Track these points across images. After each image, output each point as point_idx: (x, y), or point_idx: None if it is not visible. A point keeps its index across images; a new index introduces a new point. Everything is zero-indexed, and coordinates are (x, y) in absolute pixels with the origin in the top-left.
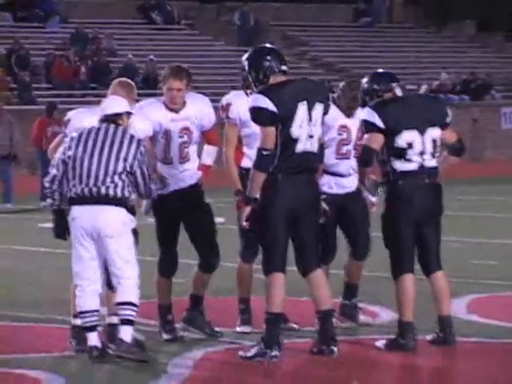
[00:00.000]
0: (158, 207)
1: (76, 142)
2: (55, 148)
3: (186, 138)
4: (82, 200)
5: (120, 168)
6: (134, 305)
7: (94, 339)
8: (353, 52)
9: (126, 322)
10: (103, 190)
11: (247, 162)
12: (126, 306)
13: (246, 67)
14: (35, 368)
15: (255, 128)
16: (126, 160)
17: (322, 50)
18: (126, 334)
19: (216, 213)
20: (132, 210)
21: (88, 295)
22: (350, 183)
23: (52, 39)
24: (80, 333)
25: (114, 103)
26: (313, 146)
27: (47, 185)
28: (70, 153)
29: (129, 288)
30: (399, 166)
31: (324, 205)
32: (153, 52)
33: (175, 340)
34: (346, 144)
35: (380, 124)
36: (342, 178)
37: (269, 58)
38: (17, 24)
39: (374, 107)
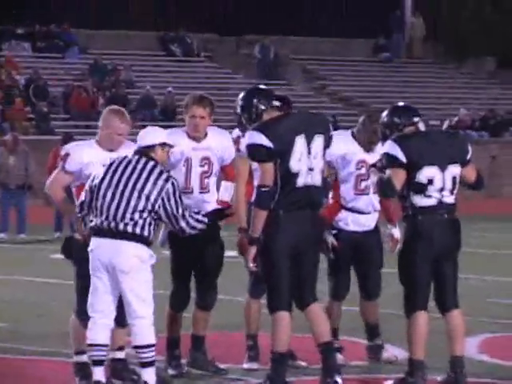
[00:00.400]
0: (175, 240)
1: (104, 172)
2: (52, 183)
3: (206, 168)
4: (101, 232)
5: (141, 206)
6: (153, 345)
7: (99, 374)
8: (372, 87)
9: (148, 364)
10: (121, 226)
11: None
12: (145, 350)
13: (239, 110)
14: None
15: None
16: (148, 198)
17: (341, 84)
18: (150, 376)
19: (229, 246)
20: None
21: (99, 328)
22: (369, 221)
23: (71, 70)
24: (83, 369)
25: (148, 135)
26: (314, 180)
27: (77, 211)
28: (97, 182)
29: (145, 329)
30: (418, 201)
31: (332, 239)
32: (171, 84)
33: (181, 376)
34: (364, 179)
35: (402, 158)
36: (359, 215)
37: (257, 97)
38: (36, 54)
39: (397, 140)
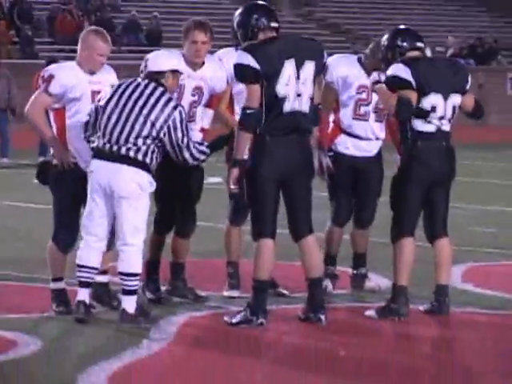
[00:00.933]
0: (158, 165)
1: (112, 93)
2: (33, 105)
3: (196, 98)
4: (103, 154)
5: (145, 132)
6: (138, 275)
7: (84, 295)
8: (359, 14)
9: (130, 292)
10: (123, 150)
11: None
12: (130, 278)
13: (235, 25)
14: (13, 329)
15: None
16: (153, 125)
17: (329, 10)
18: (130, 304)
19: (214, 172)
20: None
21: (92, 251)
22: (370, 147)
23: None
24: (60, 296)
25: (159, 59)
26: (302, 106)
27: (84, 131)
28: (103, 102)
29: (133, 257)
30: (419, 126)
31: (328, 161)
32: (157, 9)
33: (158, 301)
34: (364, 105)
35: (413, 82)
36: (359, 141)
37: (256, 14)
38: None
39: (407, 63)
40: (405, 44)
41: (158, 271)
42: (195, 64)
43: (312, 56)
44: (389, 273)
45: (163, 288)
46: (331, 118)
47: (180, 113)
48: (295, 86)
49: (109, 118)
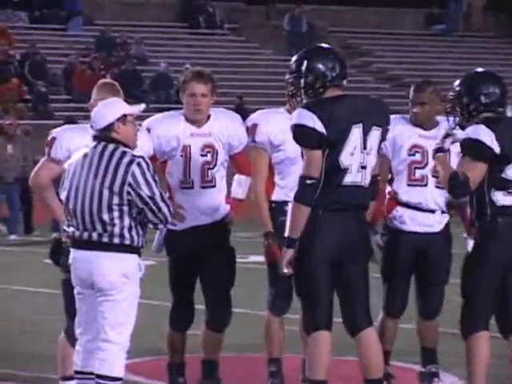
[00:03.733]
0: (172, 246)
1: (68, 173)
2: (36, 175)
3: (209, 158)
4: (76, 243)
5: (106, 203)
6: (119, 380)
7: None
8: (423, 64)
9: None
10: (95, 237)
11: (279, 195)
12: (104, 381)
13: (303, 68)
14: None
15: (289, 153)
16: (112, 191)
17: (388, 61)
18: None
19: (256, 250)
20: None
21: (86, 354)
22: (432, 221)
23: (73, 44)
24: None
25: (99, 114)
26: (364, 179)
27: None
28: (67, 183)
29: (114, 356)
30: (500, 198)
31: (378, 240)
32: (190, 60)
33: None
34: (419, 167)
35: (496, 149)
36: (418, 213)
37: (333, 64)
38: (33, 25)
39: (491, 126)
40: (487, 99)
41: (182, 373)
42: (196, 121)
43: (379, 122)
44: (463, 371)
45: None
46: (387, 189)
47: (139, 165)
48: (360, 157)
49: (75, 197)
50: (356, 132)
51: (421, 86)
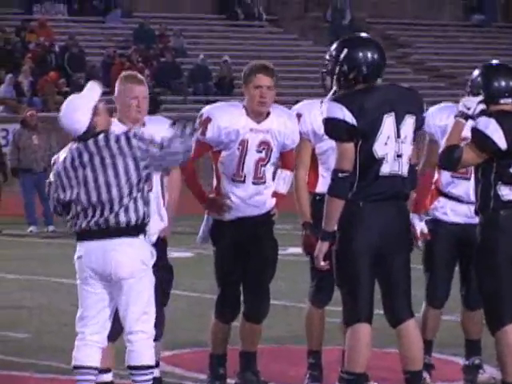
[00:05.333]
0: (218, 237)
1: (63, 174)
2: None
3: (263, 154)
4: (90, 234)
5: (126, 190)
6: (151, 367)
7: None
8: (462, 55)
9: None
10: (112, 221)
11: (324, 186)
12: (143, 372)
13: (341, 56)
14: None
15: (333, 142)
16: (127, 174)
17: (427, 52)
18: None
19: (294, 242)
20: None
21: (89, 348)
22: (473, 213)
23: (112, 36)
24: None
25: (72, 121)
26: (401, 168)
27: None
28: (65, 184)
29: (143, 346)
30: (506, 193)
31: (422, 226)
32: (228, 52)
33: None
34: None
35: (502, 145)
36: (459, 204)
37: (371, 60)
38: (72, 18)
39: (501, 121)
40: (501, 89)
41: (224, 364)
42: (259, 114)
43: (413, 109)
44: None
45: (231, 383)
46: (435, 177)
47: (135, 136)
48: (395, 146)
49: (86, 194)
50: (388, 121)
51: None
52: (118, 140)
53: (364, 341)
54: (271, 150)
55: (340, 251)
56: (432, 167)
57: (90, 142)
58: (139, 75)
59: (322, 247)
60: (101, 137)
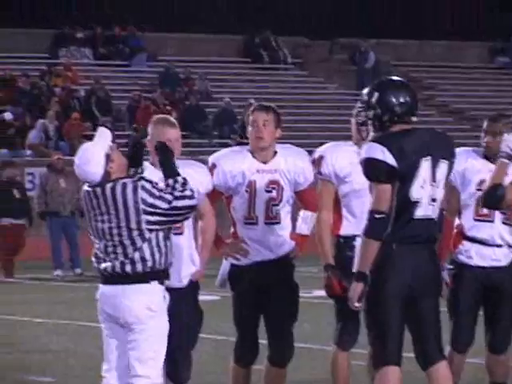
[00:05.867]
0: (236, 281)
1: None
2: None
3: (274, 194)
4: (102, 278)
5: (127, 236)
6: None
7: None
8: (487, 98)
9: None
10: (118, 266)
11: (347, 229)
12: None
13: (373, 100)
14: None
15: (356, 185)
16: (128, 227)
17: (452, 94)
18: None
19: (320, 285)
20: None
21: None
22: (498, 255)
23: (137, 79)
24: None
25: (87, 172)
26: (434, 212)
27: None
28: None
29: None
30: None
31: (445, 275)
32: (253, 95)
33: None
34: None
35: None
36: (484, 247)
37: (404, 99)
38: (98, 62)
39: None
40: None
41: None
42: (261, 151)
43: (446, 155)
44: None
45: None
46: (456, 222)
47: (143, 188)
48: (430, 190)
49: (95, 234)
50: (425, 165)
51: (496, 117)
52: (123, 189)
53: (393, 383)
54: (282, 189)
55: (372, 293)
56: (453, 214)
57: (98, 190)
58: (171, 118)
59: (357, 288)
60: (108, 186)
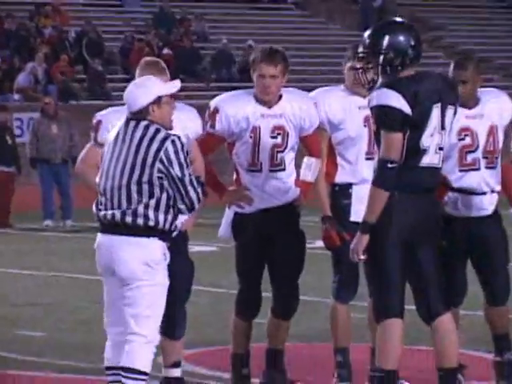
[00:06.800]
0: (240, 230)
1: (103, 154)
2: (83, 161)
3: (279, 140)
4: (102, 226)
5: (135, 178)
6: (143, 374)
7: None
8: (497, 38)
9: None
10: (118, 215)
11: (342, 177)
12: (132, 375)
13: (384, 44)
14: None
15: (350, 132)
16: (143, 167)
17: (459, 35)
18: None
19: (316, 235)
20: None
21: (114, 347)
22: (485, 204)
23: (131, 20)
24: None
25: (133, 95)
26: (440, 161)
27: None
28: (101, 165)
29: (138, 349)
30: None
31: None
32: (252, 37)
33: None
34: (470, 151)
35: None
36: (471, 196)
37: (414, 42)
38: (89, 1)
39: None
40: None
41: (247, 364)
42: (267, 101)
43: (453, 100)
44: None
45: (256, 381)
46: None
47: (173, 142)
48: (438, 137)
49: (105, 175)
50: (436, 111)
51: (462, 64)
52: (155, 133)
53: (396, 336)
54: (287, 135)
55: (372, 241)
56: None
57: (131, 124)
58: (161, 63)
59: (362, 240)
60: (143, 123)
